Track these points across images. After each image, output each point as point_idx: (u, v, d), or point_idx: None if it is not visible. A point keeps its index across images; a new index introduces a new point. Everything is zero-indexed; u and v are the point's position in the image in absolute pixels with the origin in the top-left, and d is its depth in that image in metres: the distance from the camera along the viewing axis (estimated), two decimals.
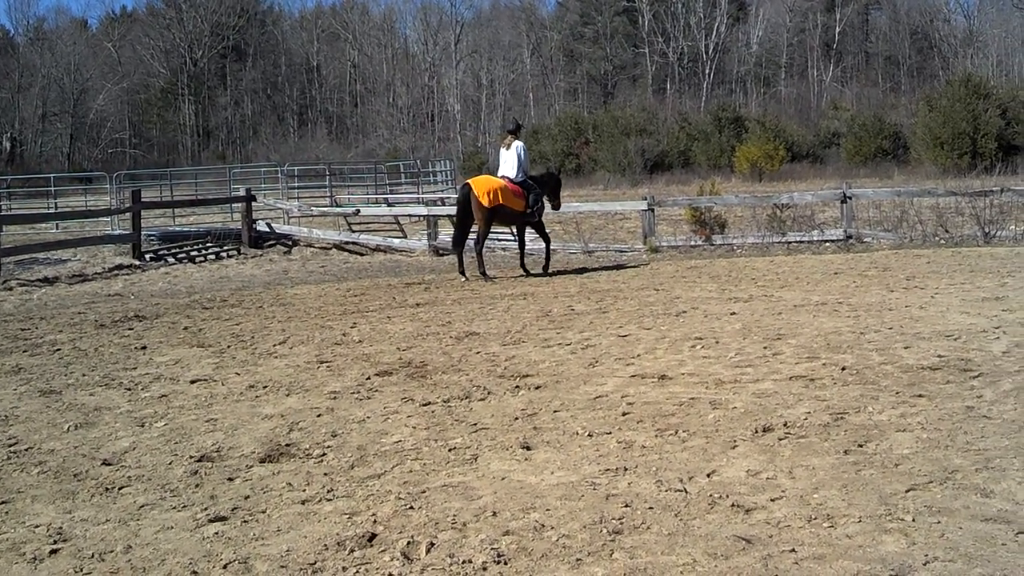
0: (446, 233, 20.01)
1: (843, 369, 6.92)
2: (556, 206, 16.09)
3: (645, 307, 10.66)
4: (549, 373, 7.30)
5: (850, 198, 18.25)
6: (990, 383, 6.35)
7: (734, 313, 9.88)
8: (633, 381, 6.91)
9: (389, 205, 26.11)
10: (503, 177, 14.63)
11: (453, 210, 19.63)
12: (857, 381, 6.57)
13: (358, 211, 22.06)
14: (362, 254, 19.91)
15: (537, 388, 6.82)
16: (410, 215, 22.23)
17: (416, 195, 31.67)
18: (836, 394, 6.25)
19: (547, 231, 15.55)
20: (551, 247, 15.67)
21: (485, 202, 14.09)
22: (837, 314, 9.52)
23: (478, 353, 8.24)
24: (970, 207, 17.74)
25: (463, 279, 14.21)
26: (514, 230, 16.01)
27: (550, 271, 15.00)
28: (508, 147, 14.84)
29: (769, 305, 10.38)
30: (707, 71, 79.36)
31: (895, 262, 14.39)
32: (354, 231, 21.48)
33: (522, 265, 15.11)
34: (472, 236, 14.90)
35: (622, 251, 18.40)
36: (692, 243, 18.59)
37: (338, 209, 23.95)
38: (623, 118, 58.94)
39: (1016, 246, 16.12)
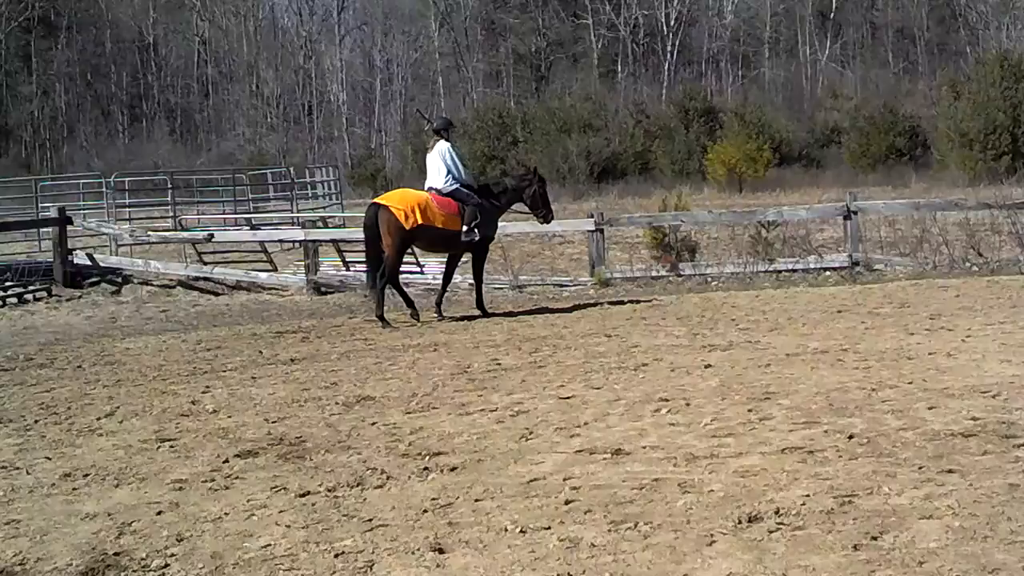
0: (330, 264, 19.97)
1: (850, 438, 7.01)
2: (545, 218, 15.63)
3: (593, 359, 10.72)
4: (468, 450, 7.30)
5: (855, 213, 18.57)
6: None
7: (709, 366, 9.98)
8: (579, 458, 6.94)
9: (253, 228, 25.97)
10: (429, 189, 14.58)
11: (340, 233, 19.66)
12: (869, 453, 6.66)
13: (211, 236, 21.87)
14: (217, 293, 19.73)
15: (452, 470, 6.81)
16: (282, 241, 22.12)
17: (290, 214, 31.52)
18: (842, 470, 6.33)
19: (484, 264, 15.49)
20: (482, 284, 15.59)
21: (405, 223, 14.02)
22: (842, 365, 9.67)
23: (374, 424, 8.22)
24: (1010, 223, 18.13)
25: (382, 326, 14.03)
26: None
27: (488, 311, 15.02)
28: (431, 150, 14.82)
29: (754, 355, 10.51)
30: (669, 48, 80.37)
31: (915, 296, 14.67)
32: (206, 263, 21.32)
33: (438, 304, 15.01)
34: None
35: (563, 285, 18.50)
36: (653, 274, 18.77)
37: (185, 234, 23.73)
38: (562, 111, 59.54)
39: None
